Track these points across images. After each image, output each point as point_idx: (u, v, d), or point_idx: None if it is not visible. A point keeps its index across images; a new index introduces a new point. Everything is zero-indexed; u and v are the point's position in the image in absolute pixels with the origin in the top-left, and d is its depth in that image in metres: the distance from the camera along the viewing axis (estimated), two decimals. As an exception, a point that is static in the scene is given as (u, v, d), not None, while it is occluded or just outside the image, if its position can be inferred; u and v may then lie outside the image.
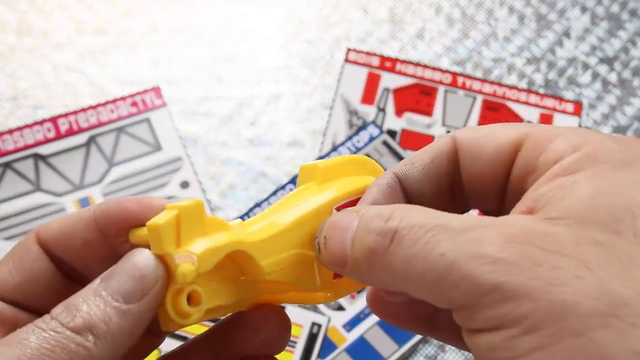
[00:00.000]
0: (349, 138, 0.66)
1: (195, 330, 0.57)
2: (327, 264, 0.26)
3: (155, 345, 0.30)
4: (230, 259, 0.26)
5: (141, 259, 0.25)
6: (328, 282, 0.29)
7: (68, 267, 0.28)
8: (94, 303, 0.24)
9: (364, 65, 0.69)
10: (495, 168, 0.26)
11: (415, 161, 0.29)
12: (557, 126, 0.26)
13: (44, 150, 0.65)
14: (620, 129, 0.68)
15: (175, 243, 0.25)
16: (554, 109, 0.68)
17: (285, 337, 0.30)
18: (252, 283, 0.28)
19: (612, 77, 0.70)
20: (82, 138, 0.66)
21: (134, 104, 0.67)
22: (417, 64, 0.70)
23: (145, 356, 0.30)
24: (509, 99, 0.69)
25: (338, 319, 0.60)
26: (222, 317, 0.30)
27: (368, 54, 0.70)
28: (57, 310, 0.24)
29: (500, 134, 0.26)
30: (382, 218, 0.24)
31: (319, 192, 0.29)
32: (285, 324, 0.29)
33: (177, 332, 0.58)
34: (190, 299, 0.25)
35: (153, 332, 0.29)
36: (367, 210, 0.25)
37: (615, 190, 0.22)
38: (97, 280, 0.25)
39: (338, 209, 0.29)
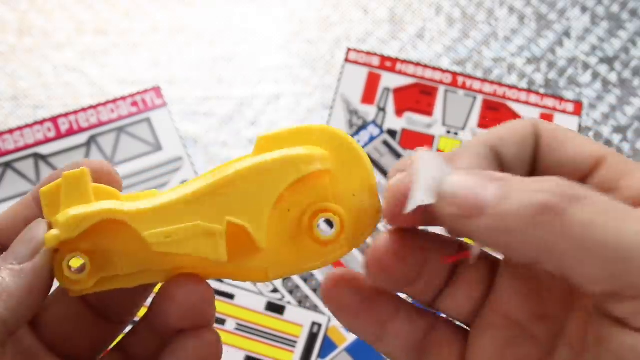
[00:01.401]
0: (349, 138, 0.66)
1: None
2: (446, 209, 0.24)
3: (117, 332, 0.30)
4: (124, 227, 0.26)
5: (34, 225, 0.27)
6: (241, 257, 0.27)
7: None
8: None
9: (364, 65, 0.69)
10: (571, 170, 0.26)
11: (504, 137, 0.26)
12: (631, 160, 0.26)
13: (44, 150, 0.65)
14: (620, 129, 0.68)
15: (55, 209, 0.26)
16: (554, 109, 0.68)
17: (204, 307, 0.28)
18: (160, 255, 0.26)
19: (613, 77, 0.70)
20: (82, 138, 0.66)
21: (135, 103, 0.67)
22: (418, 64, 0.70)
23: (110, 343, 0.30)
24: (509, 99, 0.69)
25: (338, 319, 0.60)
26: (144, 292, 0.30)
27: (368, 53, 0.70)
28: None
29: (583, 141, 0.26)
30: (557, 181, 0.23)
31: (241, 162, 0.27)
32: (202, 293, 0.28)
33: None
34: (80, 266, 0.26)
35: (111, 319, 0.30)
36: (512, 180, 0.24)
37: None
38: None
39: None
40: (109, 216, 0.26)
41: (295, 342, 0.59)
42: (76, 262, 0.27)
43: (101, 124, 0.66)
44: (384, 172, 0.65)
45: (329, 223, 0.28)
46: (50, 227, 0.26)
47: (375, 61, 0.70)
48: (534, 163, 0.27)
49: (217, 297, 0.60)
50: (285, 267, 0.28)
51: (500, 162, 0.26)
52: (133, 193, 0.28)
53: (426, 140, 0.67)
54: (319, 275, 0.62)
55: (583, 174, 0.26)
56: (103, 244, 0.27)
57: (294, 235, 0.27)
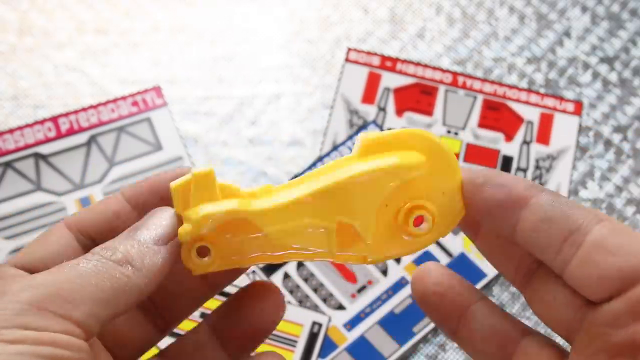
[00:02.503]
0: (350, 137, 0.66)
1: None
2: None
3: (158, 339, 0.34)
4: (246, 221, 0.30)
5: (164, 214, 0.30)
6: (345, 247, 0.31)
7: (95, 243, 0.31)
8: (130, 244, 0.28)
9: (365, 64, 0.70)
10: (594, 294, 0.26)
11: None
12: None
13: (44, 149, 0.65)
14: (620, 129, 0.68)
15: (185, 205, 0.30)
16: (555, 109, 0.68)
17: (280, 311, 0.33)
18: (276, 245, 0.30)
19: (613, 77, 0.70)
20: (82, 137, 0.66)
21: (135, 103, 0.67)
22: (418, 64, 0.70)
23: (147, 349, 0.34)
24: (509, 99, 0.69)
25: (339, 319, 0.60)
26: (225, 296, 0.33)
27: (368, 53, 0.70)
28: (97, 249, 0.28)
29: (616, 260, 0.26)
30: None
31: (349, 165, 0.31)
32: (279, 298, 0.33)
33: (175, 331, 0.58)
34: (205, 252, 0.30)
35: (158, 323, 0.34)
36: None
37: None
38: (126, 231, 0.29)
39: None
40: (235, 215, 0.29)
41: (295, 341, 0.59)
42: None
43: (101, 123, 0.66)
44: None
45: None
46: (179, 219, 0.30)
47: (376, 61, 0.70)
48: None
49: (217, 296, 0.60)
50: (381, 255, 0.31)
51: None
52: (250, 190, 0.31)
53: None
54: (320, 275, 0.62)
55: (608, 294, 0.26)
56: (226, 234, 0.30)
57: (390, 227, 0.31)
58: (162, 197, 0.31)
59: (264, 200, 0.30)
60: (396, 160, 0.30)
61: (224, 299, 0.36)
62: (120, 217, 0.31)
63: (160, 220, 0.29)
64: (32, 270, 0.29)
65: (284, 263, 0.62)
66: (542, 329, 0.57)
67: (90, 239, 0.31)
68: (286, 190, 0.31)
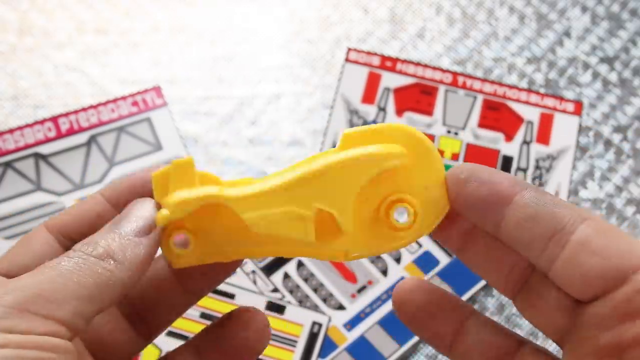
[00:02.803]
0: (350, 137, 0.66)
1: (190, 328, 0.57)
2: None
3: (142, 347, 0.34)
4: (225, 210, 0.29)
5: (145, 205, 0.30)
6: (326, 239, 0.30)
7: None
8: (111, 237, 0.28)
9: (365, 64, 0.70)
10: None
11: None
12: None
13: (44, 149, 0.65)
14: (620, 129, 0.68)
15: (164, 193, 0.30)
16: (555, 109, 0.69)
17: (265, 339, 0.33)
18: (256, 235, 0.30)
19: (613, 77, 0.70)
20: (82, 137, 0.66)
21: (135, 103, 0.67)
22: (418, 64, 0.70)
23: (132, 357, 0.34)
24: (509, 99, 0.69)
25: (338, 318, 0.60)
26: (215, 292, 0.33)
27: (368, 53, 0.70)
28: (78, 245, 0.28)
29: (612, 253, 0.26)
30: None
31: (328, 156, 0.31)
32: (265, 325, 0.33)
33: (175, 331, 0.58)
34: (186, 244, 0.30)
35: (142, 331, 0.33)
36: None
37: None
38: (107, 225, 0.29)
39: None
40: (213, 200, 0.29)
41: (295, 341, 0.59)
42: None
43: (101, 123, 0.66)
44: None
45: (402, 212, 0.31)
46: (158, 207, 0.30)
47: (376, 61, 0.70)
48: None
49: (217, 296, 0.60)
50: (364, 249, 0.31)
51: None
52: (231, 180, 0.31)
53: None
54: (320, 275, 0.62)
55: (599, 291, 0.26)
56: (205, 224, 0.30)
57: (372, 221, 0.31)
58: (141, 195, 0.31)
59: (243, 187, 0.30)
60: (374, 148, 0.30)
61: (209, 322, 0.36)
62: (101, 217, 0.31)
63: (140, 212, 0.29)
64: (14, 276, 0.29)
65: (284, 263, 0.62)
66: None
67: (71, 240, 0.31)
68: (266, 180, 0.30)
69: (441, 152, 0.67)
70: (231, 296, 0.60)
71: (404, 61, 0.70)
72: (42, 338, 0.25)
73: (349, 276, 0.62)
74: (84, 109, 0.66)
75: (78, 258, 0.27)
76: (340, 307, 0.61)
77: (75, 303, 0.26)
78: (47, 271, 0.26)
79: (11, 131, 0.65)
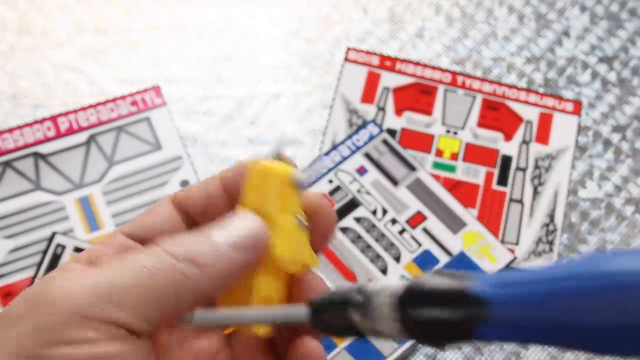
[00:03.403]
0: (349, 137, 0.66)
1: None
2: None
3: None
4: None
5: (251, 220, 0.28)
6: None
7: (194, 222, 0.31)
8: (200, 242, 0.27)
9: (364, 64, 0.70)
10: None
11: None
12: None
13: (44, 149, 0.65)
14: (619, 128, 0.68)
15: (267, 200, 0.28)
16: (554, 108, 0.69)
17: None
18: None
19: (612, 77, 0.70)
20: (82, 137, 0.66)
21: (134, 103, 0.67)
22: (417, 63, 0.70)
23: None
24: (508, 98, 0.69)
25: (338, 318, 0.60)
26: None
27: (368, 53, 0.70)
28: (164, 242, 0.27)
29: None
30: None
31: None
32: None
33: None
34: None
35: None
36: None
37: None
38: (204, 227, 0.28)
39: None
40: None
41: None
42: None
43: (101, 123, 0.66)
44: (383, 171, 0.65)
45: None
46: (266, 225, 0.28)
47: (375, 60, 0.70)
48: None
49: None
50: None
51: None
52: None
53: (426, 140, 0.67)
54: (319, 274, 0.62)
55: None
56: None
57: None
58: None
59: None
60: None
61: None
62: (215, 204, 0.31)
63: (242, 224, 0.28)
64: (136, 237, 0.30)
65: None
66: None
67: (189, 217, 0.31)
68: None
69: (440, 152, 0.67)
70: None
71: (404, 61, 0.70)
72: (98, 349, 0.24)
73: (349, 275, 0.62)
74: (83, 109, 0.66)
75: (156, 257, 0.26)
76: (340, 307, 0.61)
77: (140, 306, 0.25)
78: (121, 267, 0.26)
79: (10, 130, 0.65)
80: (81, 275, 0.26)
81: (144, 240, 0.30)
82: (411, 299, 0.24)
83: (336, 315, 0.25)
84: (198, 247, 0.27)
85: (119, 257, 0.26)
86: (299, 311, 0.27)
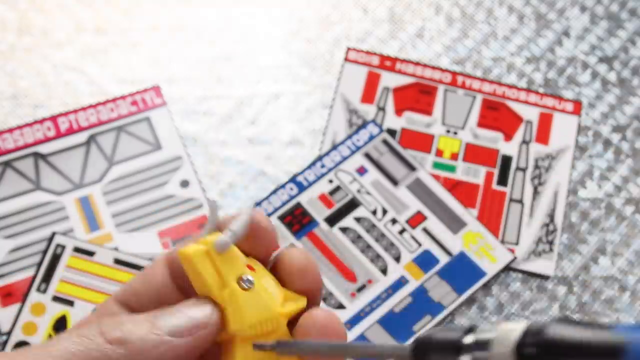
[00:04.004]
0: (349, 137, 0.66)
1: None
2: None
3: None
4: None
5: (198, 304, 0.28)
6: None
7: (187, 286, 0.30)
8: (141, 324, 0.27)
9: (364, 64, 0.70)
10: None
11: None
12: None
13: (44, 149, 0.65)
14: (619, 128, 0.68)
15: (219, 279, 0.28)
16: (554, 108, 0.69)
17: None
18: None
19: (612, 77, 0.70)
20: (82, 137, 0.66)
21: (134, 103, 0.67)
22: (417, 63, 0.70)
23: None
24: (508, 98, 0.69)
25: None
26: None
27: (368, 53, 0.70)
28: (105, 321, 0.27)
29: None
30: None
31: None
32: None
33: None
34: None
35: None
36: None
37: None
38: (160, 310, 0.28)
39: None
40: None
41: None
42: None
43: (101, 123, 0.66)
44: (383, 171, 0.65)
45: None
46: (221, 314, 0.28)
47: (375, 60, 0.70)
48: None
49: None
50: None
51: None
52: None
53: (426, 140, 0.67)
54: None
55: None
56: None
57: None
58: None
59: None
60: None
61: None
62: (160, 288, 0.30)
63: (191, 311, 0.28)
64: (132, 306, 0.29)
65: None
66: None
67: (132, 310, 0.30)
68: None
69: (440, 152, 0.67)
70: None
71: (403, 61, 0.70)
72: None
73: (349, 275, 0.62)
74: (83, 109, 0.66)
75: (85, 338, 0.26)
76: (340, 306, 0.61)
77: None
78: (46, 353, 0.26)
79: (10, 130, 0.65)
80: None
81: (134, 309, 0.29)
82: (545, 354, 0.20)
83: (445, 358, 0.23)
84: (136, 330, 0.26)
85: (55, 338, 0.26)
86: (403, 348, 0.24)
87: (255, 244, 0.29)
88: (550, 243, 0.64)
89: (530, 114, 0.68)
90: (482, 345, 0.22)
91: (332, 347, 0.27)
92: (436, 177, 0.65)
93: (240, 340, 0.28)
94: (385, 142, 0.66)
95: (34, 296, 0.59)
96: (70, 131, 0.66)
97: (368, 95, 0.68)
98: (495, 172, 0.66)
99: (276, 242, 0.30)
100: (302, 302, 0.29)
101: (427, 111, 0.68)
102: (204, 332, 0.27)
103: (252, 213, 0.29)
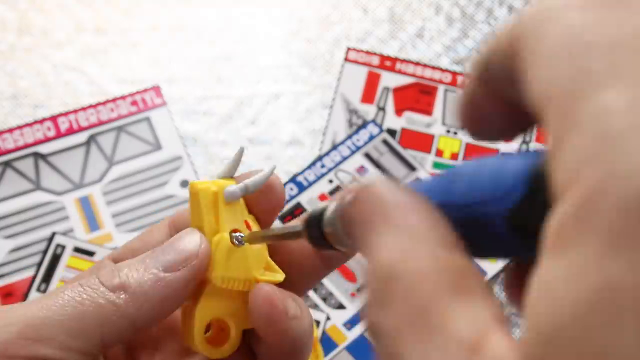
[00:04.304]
0: (349, 137, 0.66)
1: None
2: None
3: None
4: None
5: (185, 235, 0.28)
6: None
7: None
8: (135, 268, 0.27)
9: (364, 64, 0.70)
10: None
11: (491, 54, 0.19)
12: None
13: (44, 149, 0.65)
14: (619, 128, 0.68)
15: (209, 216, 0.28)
16: (554, 108, 0.69)
17: None
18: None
19: (612, 77, 0.70)
20: (82, 137, 0.66)
21: (134, 103, 0.67)
22: (417, 63, 0.70)
23: None
24: (508, 98, 0.69)
25: (338, 317, 0.60)
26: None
27: (368, 53, 0.70)
28: (102, 270, 0.27)
29: (543, 72, 0.16)
30: None
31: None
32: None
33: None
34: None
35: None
36: None
37: None
38: (148, 252, 0.28)
39: None
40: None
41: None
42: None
43: (101, 123, 0.66)
44: (383, 171, 0.65)
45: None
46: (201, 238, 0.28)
47: (375, 60, 0.70)
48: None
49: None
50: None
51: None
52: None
53: (426, 140, 0.67)
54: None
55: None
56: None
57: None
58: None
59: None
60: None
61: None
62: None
63: (180, 244, 0.28)
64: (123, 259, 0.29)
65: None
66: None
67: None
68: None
69: (440, 152, 0.67)
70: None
71: (404, 61, 0.70)
72: None
73: (349, 275, 0.62)
74: (83, 109, 0.66)
75: (87, 287, 0.26)
76: (340, 306, 0.61)
77: (64, 338, 0.25)
78: (44, 300, 0.26)
79: (10, 130, 0.65)
80: (2, 315, 0.26)
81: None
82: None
83: (315, 230, 0.25)
84: (133, 273, 0.27)
85: (53, 291, 0.26)
86: (295, 227, 0.27)
87: (262, 203, 0.30)
88: (550, 243, 0.64)
89: (530, 114, 0.68)
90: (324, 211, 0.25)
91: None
92: (436, 177, 0.65)
93: (210, 288, 0.28)
94: (385, 142, 0.66)
95: (34, 296, 0.59)
96: (70, 131, 0.66)
97: (368, 95, 0.68)
98: (495, 172, 0.66)
99: (281, 208, 0.30)
100: (280, 276, 0.29)
101: (427, 111, 0.68)
102: (197, 262, 0.27)
103: (269, 175, 0.29)
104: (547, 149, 0.16)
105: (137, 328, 0.26)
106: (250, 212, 0.30)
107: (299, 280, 0.30)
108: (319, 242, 0.25)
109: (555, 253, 0.14)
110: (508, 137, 0.21)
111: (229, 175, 0.30)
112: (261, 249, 0.29)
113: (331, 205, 0.24)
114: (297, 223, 0.26)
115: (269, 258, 0.29)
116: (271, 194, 0.30)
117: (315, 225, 0.25)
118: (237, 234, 0.28)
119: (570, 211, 0.14)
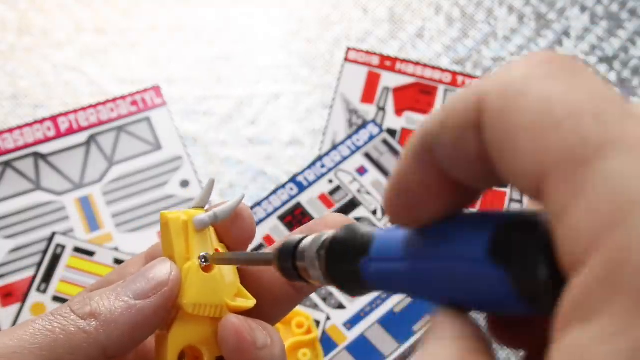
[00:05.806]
0: (349, 137, 0.66)
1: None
2: None
3: None
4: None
5: (157, 264, 0.28)
6: None
7: None
8: (107, 296, 0.27)
9: (364, 64, 0.70)
10: (521, 186, 0.17)
11: (443, 125, 0.19)
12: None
13: (44, 149, 0.65)
14: (619, 128, 0.68)
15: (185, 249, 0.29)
16: (554, 108, 0.69)
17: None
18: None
19: (612, 77, 0.70)
20: (82, 137, 0.66)
21: (134, 103, 0.67)
22: (417, 63, 0.70)
23: None
24: (508, 98, 0.69)
25: (338, 317, 0.60)
26: None
27: (368, 53, 0.70)
28: (74, 299, 0.27)
29: (533, 140, 0.16)
30: None
31: None
32: None
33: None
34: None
35: None
36: None
37: None
38: (120, 281, 0.28)
39: None
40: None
41: (295, 341, 0.59)
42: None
43: (101, 123, 0.66)
44: (383, 171, 0.65)
45: None
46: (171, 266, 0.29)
47: (375, 60, 0.70)
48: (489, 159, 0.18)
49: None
50: None
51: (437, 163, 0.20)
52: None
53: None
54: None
55: (533, 194, 0.17)
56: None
57: None
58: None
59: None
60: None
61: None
62: None
63: (152, 273, 0.28)
64: None
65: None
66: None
67: None
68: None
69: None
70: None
71: (404, 61, 0.70)
72: None
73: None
74: (83, 109, 0.66)
75: (58, 316, 0.26)
76: (340, 306, 0.61)
77: None
78: (16, 331, 0.26)
79: (11, 130, 0.65)
80: None
81: None
82: (331, 250, 0.24)
83: (288, 262, 0.26)
84: (104, 302, 0.27)
85: (25, 322, 0.27)
86: (267, 255, 0.27)
87: (232, 232, 0.30)
88: (550, 243, 0.64)
89: (530, 114, 0.68)
90: (303, 251, 0.25)
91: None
92: (436, 177, 0.65)
93: (182, 316, 0.28)
94: (385, 142, 0.66)
95: (34, 296, 0.59)
96: (70, 131, 0.66)
97: (368, 95, 0.68)
98: (495, 172, 0.66)
99: (251, 239, 0.31)
100: (251, 302, 0.30)
101: (427, 111, 0.68)
102: (168, 289, 0.28)
103: (238, 204, 0.30)
104: (548, 215, 0.16)
105: (109, 356, 0.26)
106: (221, 242, 0.30)
107: (271, 308, 0.31)
108: (289, 273, 0.25)
109: (581, 321, 0.14)
110: (434, 219, 0.21)
111: (201, 205, 0.30)
112: (232, 275, 0.30)
113: (307, 239, 0.25)
114: (269, 251, 0.27)
115: (240, 285, 0.30)
116: (241, 222, 0.30)
117: (288, 258, 0.25)
118: (204, 253, 0.29)
119: (592, 280, 0.14)
